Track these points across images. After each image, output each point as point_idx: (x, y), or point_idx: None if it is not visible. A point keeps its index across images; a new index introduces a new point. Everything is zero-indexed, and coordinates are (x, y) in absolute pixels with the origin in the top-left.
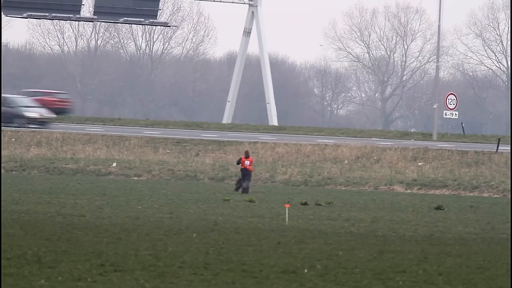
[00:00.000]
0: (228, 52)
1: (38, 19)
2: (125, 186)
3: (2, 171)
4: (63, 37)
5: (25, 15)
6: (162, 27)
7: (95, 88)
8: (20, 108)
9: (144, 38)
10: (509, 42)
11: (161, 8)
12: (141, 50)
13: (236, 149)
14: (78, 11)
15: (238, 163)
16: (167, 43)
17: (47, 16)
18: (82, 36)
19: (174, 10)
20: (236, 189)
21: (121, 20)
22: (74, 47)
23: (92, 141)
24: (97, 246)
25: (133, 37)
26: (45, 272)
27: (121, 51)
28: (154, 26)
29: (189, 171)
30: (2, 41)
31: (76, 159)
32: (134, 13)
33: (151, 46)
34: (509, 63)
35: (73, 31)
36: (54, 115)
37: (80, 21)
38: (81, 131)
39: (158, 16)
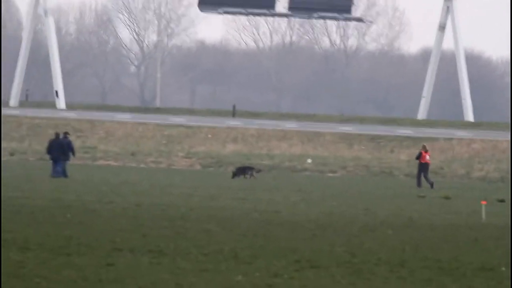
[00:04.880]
0: (422, 47)
1: (233, 15)
2: (320, 182)
3: (199, 166)
4: (258, 33)
5: (221, 11)
6: (357, 22)
7: (289, 83)
8: None
9: (338, 33)
10: None
11: (355, 4)
12: (335, 46)
13: (431, 145)
14: (273, 7)
15: (418, 157)
16: (361, 39)
17: (242, 12)
18: (277, 32)
19: (369, 5)
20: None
21: (316, 15)
22: (269, 43)
23: (287, 137)
24: (292, 242)
25: (327, 32)
26: (241, 267)
27: (315, 46)
28: (349, 22)
29: (384, 167)
30: (199, 37)
31: (272, 155)
32: (328, 8)
33: (346, 42)
34: (510, 62)
35: (268, 26)
36: None
37: (275, 16)
38: (276, 127)
39: (352, 11)
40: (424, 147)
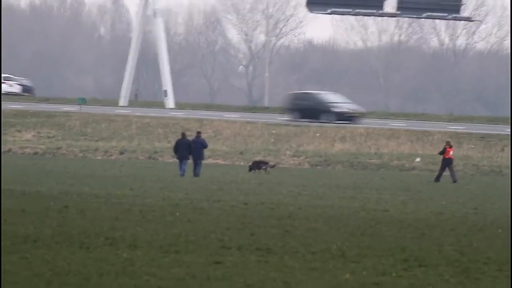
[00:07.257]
0: None
1: (341, 15)
2: (429, 181)
3: (307, 165)
4: (366, 33)
5: (329, 11)
6: (466, 21)
7: (398, 83)
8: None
9: (447, 33)
10: None
11: (465, 3)
12: (444, 45)
13: None
14: (381, 7)
15: (442, 153)
16: (470, 38)
17: (350, 12)
18: (385, 31)
19: (478, 4)
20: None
21: (424, 15)
22: (377, 42)
23: (395, 136)
24: (400, 241)
25: (436, 32)
26: (349, 266)
27: (424, 46)
28: (458, 21)
29: (494, 166)
30: (307, 36)
31: (380, 154)
32: (437, 8)
33: (454, 41)
34: (510, 59)
35: (376, 26)
36: (364, 110)
37: (383, 16)
38: (385, 126)
39: (461, 10)
40: (448, 142)
